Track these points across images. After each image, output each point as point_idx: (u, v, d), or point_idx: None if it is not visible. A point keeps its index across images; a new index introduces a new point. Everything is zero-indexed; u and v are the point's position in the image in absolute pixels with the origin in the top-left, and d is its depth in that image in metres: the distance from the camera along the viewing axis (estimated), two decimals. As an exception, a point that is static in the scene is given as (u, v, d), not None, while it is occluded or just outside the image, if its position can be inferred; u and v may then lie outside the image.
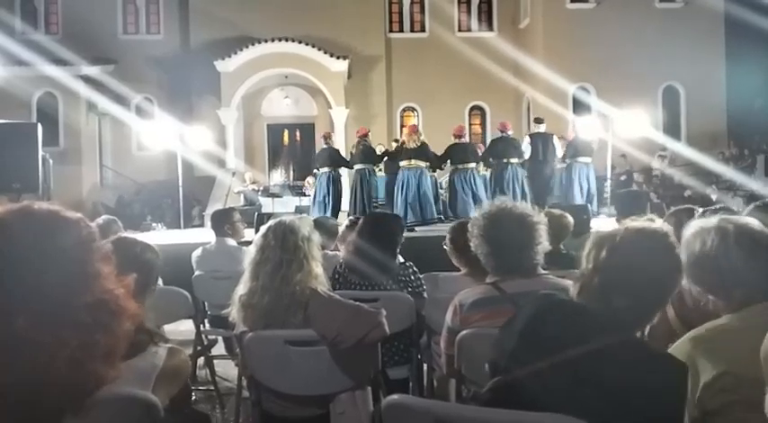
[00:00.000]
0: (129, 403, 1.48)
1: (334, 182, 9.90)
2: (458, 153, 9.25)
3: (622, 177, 14.67)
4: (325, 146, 10.14)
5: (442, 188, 10.63)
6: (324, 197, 9.80)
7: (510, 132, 9.76)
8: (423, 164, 9.12)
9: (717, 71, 16.53)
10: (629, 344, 1.37)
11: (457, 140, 9.41)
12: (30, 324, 0.66)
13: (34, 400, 0.66)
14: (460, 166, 9.23)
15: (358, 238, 3.18)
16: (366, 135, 10.01)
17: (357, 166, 9.73)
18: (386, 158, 10.25)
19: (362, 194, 9.54)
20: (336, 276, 3.14)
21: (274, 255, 2.27)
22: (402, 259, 3.25)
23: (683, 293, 1.62)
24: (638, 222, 1.54)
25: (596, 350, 1.33)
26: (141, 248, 2.02)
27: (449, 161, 9.41)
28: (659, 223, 1.56)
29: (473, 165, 9.35)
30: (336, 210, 9.76)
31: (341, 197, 10.07)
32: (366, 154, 9.74)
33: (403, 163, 9.20)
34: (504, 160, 9.31)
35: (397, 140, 11.67)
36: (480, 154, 9.93)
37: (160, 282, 2.66)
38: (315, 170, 10.87)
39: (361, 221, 3.43)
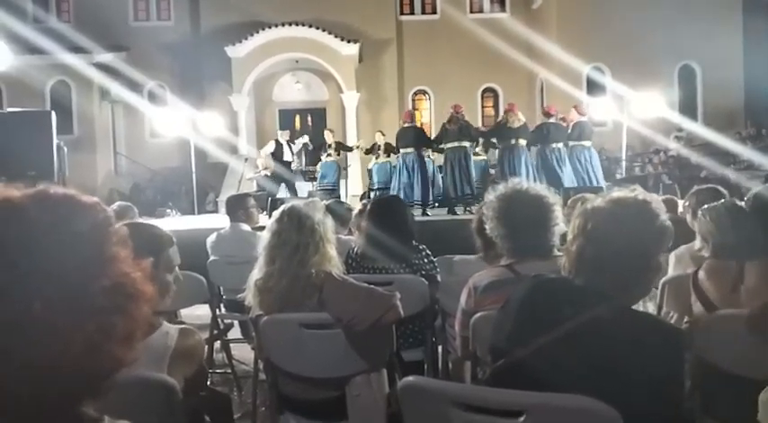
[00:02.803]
0: (148, 387, 1.50)
1: (421, 164, 9.18)
2: (551, 132, 9.33)
3: (650, 155, 14.62)
4: (407, 124, 9.39)
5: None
6: (408, 180, 9.05)
7: (587, 117, 9.85)
8: (524, 142, 9.11)
9: (734, 49, 16.23)
10: (621, 314, 1.37)
11: (547, 119, 9.50)
12: (46, 308, 0.66)
13: (50, 383, 0.67)
14: (554, 145, 9.26)
15: (368, 224, 3.19)
16: (460, 111, 9.23)
17: (451, 145, 8.98)
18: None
19: (459, 175, 8.85)
20: (350, 261, 3.15)
21: (290, 238, 2.27)
22: (415, 242, 3.25)
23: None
24: (619, 192, 1.52)
25: (590, 322, 1.32)
26: (151, 232, 1.97)
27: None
28: (640, 191, 1.53)
29: (561, 144, 9.37)
30: (426, 194, 9.02)
31: (430, 181, 9.45)
32: (464, 131, 9.00)
33: (512, 142, 9.10)
34: (583, 143, 9.52)
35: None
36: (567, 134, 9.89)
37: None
38: (385, 153, 10.53)
39: (368, 207, 3.43)
